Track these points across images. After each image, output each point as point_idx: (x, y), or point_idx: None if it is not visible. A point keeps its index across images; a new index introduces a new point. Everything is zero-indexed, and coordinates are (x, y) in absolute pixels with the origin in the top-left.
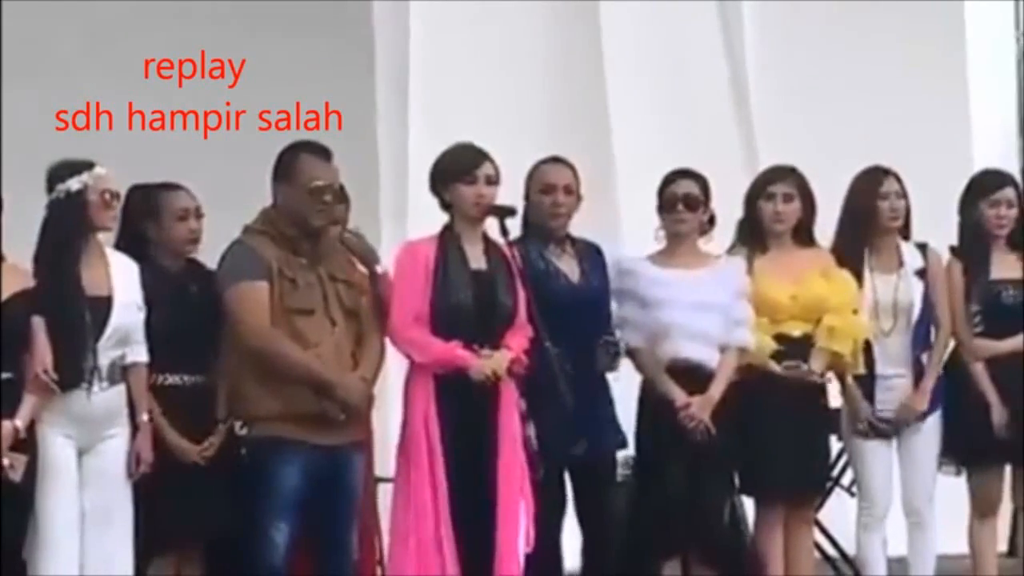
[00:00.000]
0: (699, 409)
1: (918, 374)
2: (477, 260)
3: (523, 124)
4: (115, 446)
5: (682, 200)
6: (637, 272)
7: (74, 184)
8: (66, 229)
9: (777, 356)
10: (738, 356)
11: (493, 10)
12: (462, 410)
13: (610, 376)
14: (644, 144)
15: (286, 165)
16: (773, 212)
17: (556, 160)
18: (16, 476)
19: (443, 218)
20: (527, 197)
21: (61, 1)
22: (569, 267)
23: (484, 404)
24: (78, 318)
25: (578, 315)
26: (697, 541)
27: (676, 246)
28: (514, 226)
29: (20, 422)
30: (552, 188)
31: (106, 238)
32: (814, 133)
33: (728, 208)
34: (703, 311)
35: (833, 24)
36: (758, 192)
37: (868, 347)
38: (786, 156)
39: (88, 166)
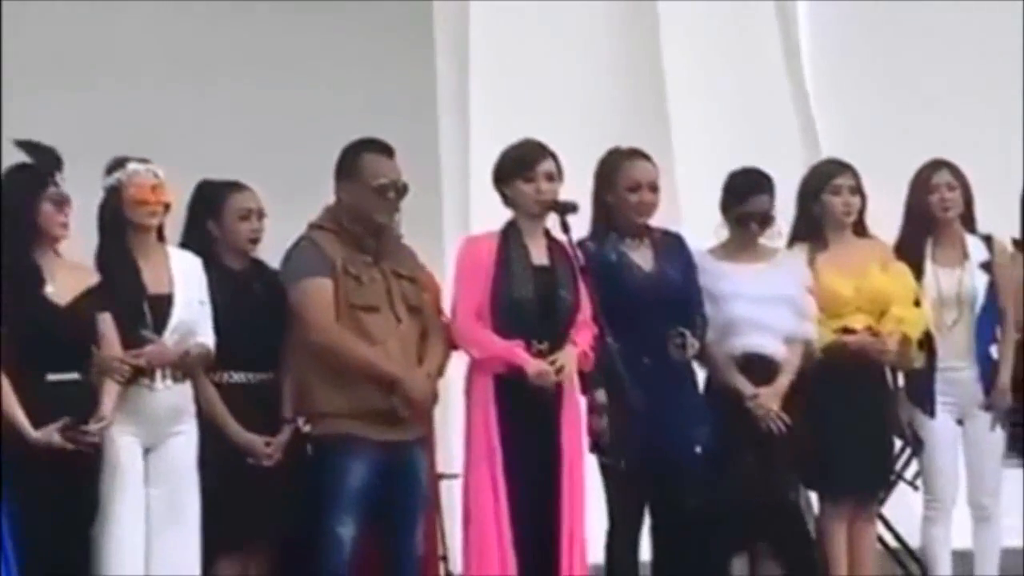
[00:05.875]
0: (768, 399)
1: (983, 366)
2: (540, 256)
3: (583, 122)
4: (181, 443)
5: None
6: (702, 267)
7: (109, 181)
8: (108, 226)
9: None
10: (803, 349)
11: (553, 10)
12: (524, 408)
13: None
14: (704, 141)
15: (349, 163)
16: (843, 204)
17: (639, 155)
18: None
19: (506, 215)
20: (602, 189)
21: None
22: (643, 258)
23: (546, 402)
24: (137, 312)
25: (651, 305)
26: (767, 535)
27: (740, 240)
28: (575, 222)
29: (107, 413)
30: (639, 186)
31: (173, 233)
32: (875, 127)
33: (787, 205)
34: (770, 304)
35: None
36: (821, 186)
37: (928, 340)
38: (848, 151)
39: (122, 163)
